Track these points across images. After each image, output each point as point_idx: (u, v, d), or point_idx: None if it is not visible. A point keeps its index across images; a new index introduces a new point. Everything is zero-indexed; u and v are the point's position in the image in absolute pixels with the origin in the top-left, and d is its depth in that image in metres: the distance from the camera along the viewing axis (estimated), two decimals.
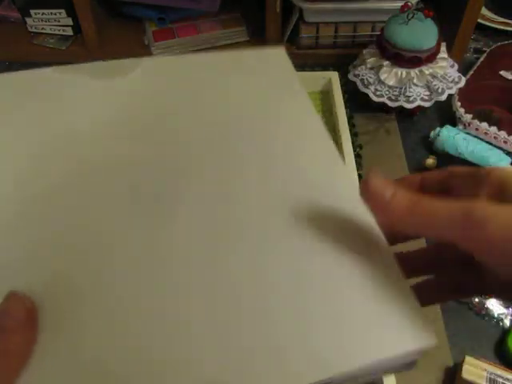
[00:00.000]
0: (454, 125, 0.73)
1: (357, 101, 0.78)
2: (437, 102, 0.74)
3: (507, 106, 0.78)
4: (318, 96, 0.76)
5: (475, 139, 0.70)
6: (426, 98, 0.73)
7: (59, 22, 0.89)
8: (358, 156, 0.69)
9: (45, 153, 0.25)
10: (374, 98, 0.74)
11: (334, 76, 0.75)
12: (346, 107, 0.70)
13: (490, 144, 0.70)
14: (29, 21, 0.89)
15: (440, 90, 0.72)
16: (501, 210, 0.22)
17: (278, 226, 0.25)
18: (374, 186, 0.25)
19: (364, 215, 0.26)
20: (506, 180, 0.24)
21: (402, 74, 0.72)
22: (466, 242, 0.22)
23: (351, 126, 0.70)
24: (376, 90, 0.74)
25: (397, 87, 0.73)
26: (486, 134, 0.71)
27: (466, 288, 0.28)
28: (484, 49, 0.88)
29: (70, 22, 0.89)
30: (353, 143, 0.67)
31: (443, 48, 0.74)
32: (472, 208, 0.22)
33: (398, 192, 0.25)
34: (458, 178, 0.26)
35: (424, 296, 0.25)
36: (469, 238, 0.22)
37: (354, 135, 0.71)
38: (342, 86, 0.74)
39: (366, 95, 0.74)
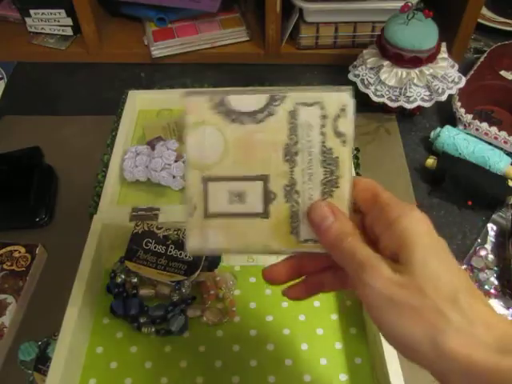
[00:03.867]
0: (455, 125, 0.73)
1: (357, 101, 0.78)
2: (437, 102, 0.73)
3: (507, 106, 0.78)
4: None
5: (475, 139, 0.70)
6: (427, 98, 0.73)
7: (59, 21, 0.89)
8: (355, 157, 0.70)
9: None
10: (374, 99, 0.74)
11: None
12: None
13: (491, 144, 0.70)
14: (28, 21, 0.89)
15: (440, 90, 0.72)
16: (384, 281, 0.27)
17: None
18: (321, 210, 0.32)
19: None
20: (404, 241, 0.28)
21: (402, 74, 0.72)
22: (356, 286, 0.29)
23: None
24: (376, 90, 0.73)
25: (397, 87, 0.73)
26: (486, 134, 0.71)
27: (327, 284, 0.35)
28: (484, 49, 0.88)
29: (69, 21, 0.89)
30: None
31: (443, 48, 0.74)
32: (366, 269, 0.28)
33: (336, 223, 0.31)
34: (375, 210, 0.32)
35: (297, 293, 0.36)
36: (357, 284, 0.29)
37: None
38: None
39: (366, 95, 0.74)
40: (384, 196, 0.31)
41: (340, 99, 0.33)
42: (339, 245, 0.30)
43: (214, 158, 0.33)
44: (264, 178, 0.33)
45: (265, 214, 0.33)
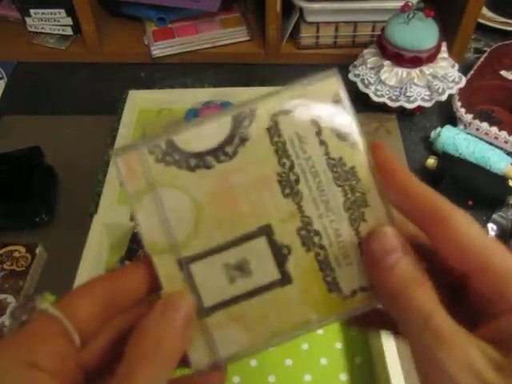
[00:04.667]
0: (455, 125, 0.73)
1: (357, 101, 0.78)
2: (437, 102, 0.73)
3: (508, 106, 0.78)
4: None
5: (476, 139, 0.70)
6: (427, 97, 0.73)
7: (59, 21, 0.89)
8: None
9: None
10: (375, 98, 0.74)
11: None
12: None
13: (491, 144, 0.70)
14: (28, 20, 0.89)
15: (440, 90, 0.72)
16: (473, 371, 0.19)
17: None
18: (385, 239, 0.22)
19: None
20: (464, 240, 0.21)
21: (402, 73, 0.72)
22: (420, 359, 0.21)
23: None
24: (376, 89, 0.73)
25: (397, 87, 0.72)
26: (486, 134, 0.71)
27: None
28: (484, 49, 0.88)
29: (69, 21, 0.89)
30: None
31: (444, 48, 0.74)
32: (444, 344, 0.20)
33: (403, 260, 0.22)
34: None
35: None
36: (423, 359, 0.21)
37: None
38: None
39: (367, 95, 0.74)
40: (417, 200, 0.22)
41: (327, 88, 0.25)
42: (405, 295, 0.21)
43: (186, 229, 0.24)
44: (266, 231, 0.24)
45: (284, 279, 0.24)
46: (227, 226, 0.24)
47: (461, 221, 0.21)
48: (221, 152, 0.23)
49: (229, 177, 0.24)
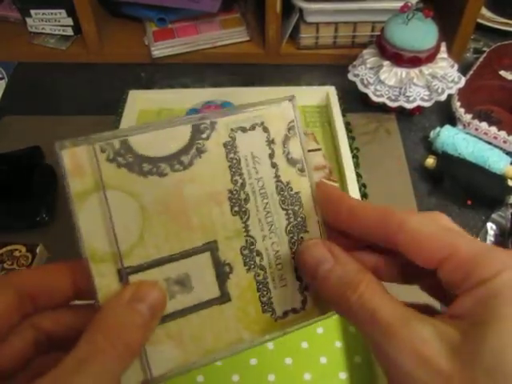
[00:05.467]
0: (454, 125, 0.73)
1: (357, 101, 0.78)
2: (437, 102, 0.74)
3: (507, 106, 0.78)
4: (315, 109, 0.77)
5: (475, 139, 0.70)
6: (426, 97, 0.73)
7: (59, 21, 0.89)
8: (355, 157, 0.70)
9: None
10: (374, 98, 0.74)
11: (332, 90, 0.76)
12: (343, 115, 0.72)
13: (490, 144, 0.70)
14: (29, 21, 0.89)
15: (440, 90, 0.72)
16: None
17: None
18: (315, 251, 0.23)
19: None
20: (419, 238, 0.22)
21: (401, 73, 0.72)
22: (377, 356, 0.21)
23: (348, 131, 0.72)
24: (376, 90, 0.74)
25: (397, 87, 0.73)
26: (485, 134, 0.71)
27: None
28: (484, 49, 0.88)
29: (70, 22, 0.89)
30: (350, 146, 0.69)
31: (443, 48, 0.74)
32: (393, 336, 0.19)
33: (335, 268, 0.22)
34: (367, 222, 0.23)
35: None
36: (379, 355, 0.20)
37: (351, 139, 0.72)
38: (339, 97, 0.75)
39: (366, 95, 0.74)
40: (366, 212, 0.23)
41: (284, 114, 0.25)
42: (345, 301, 0.21)
43: (131, 238, 0.22)
44: (211, 247, 0.23)
45: (224, 297, 0.24)
46: (174, 239, 0.23)
47: (416, 220, 0.22)
48: (176, 160, 0.23)
49: (182, 187, 0.23)
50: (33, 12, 0.88)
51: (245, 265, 0.24)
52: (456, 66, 0.74)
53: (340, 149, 0.68)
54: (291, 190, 0.24)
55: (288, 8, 0.82)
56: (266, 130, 0.24)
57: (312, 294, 0.25)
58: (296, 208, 0.24)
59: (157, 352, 0.22)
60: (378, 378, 0.48)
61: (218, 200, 0.23)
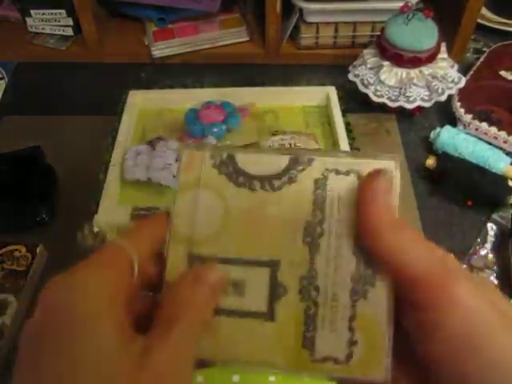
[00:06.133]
0: (454, 125, 0.73)
1: (357, 101, 0.78)
2: (437, 102, 0.74)
3: (507, 106, 0.78)
4: (316, 109, 0.77)
5: (475, 139, 0.70)
6: (426, 98, 0.73)
7: (59, 21, 0.89)
8: None
9: None
10: (374, 98, 0.74)
11: (332, 90, 0.76)
12: (343, 116, 0.72)
13: (490, 144, 0.70)
14: (29, 21, 0.89)
15: (440, 91, 0.72)
16: None
17: None
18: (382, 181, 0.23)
19: None
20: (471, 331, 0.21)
21: (401, 74, 0.72)
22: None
23: (348, 131, 0.72)
24: (376, 90, 0.74)
25: (397, 87, 0.73)
26: (485, 134, 0.71)
27: None
28: (484, 49, 0.88)
29: (70, 22, 0.89)
30: (350, 146, 0.69)
31: (443, 48, 0.74)
32: None
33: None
34: None
35: None
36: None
37: (351, 139, 0.72)
38: (339, 97, 0.75)
39: (366, 95, 0.74)
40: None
41: (384, 168, 0.24)
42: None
43: (209, 231, 0.25)
44: (273, 265, 0.24)
45: (268, 315, 0.24)
46: (243, 246, 0.25)
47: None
48: (268, 182, 0.25)
49: (265, 205, 0.25)
50: (33, 12, 0.88)
51: (299, 293, 0.24)
52: (456, 67, 0.74)
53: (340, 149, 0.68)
54: None
55: (288, 8, 0.82)
56: (359, 178, 0.24)
57: (360, 352, 0.24)
58: (369, 259, 0.24)
59: None
60: None
61: (294, 227, 0.25)
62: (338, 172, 0.25)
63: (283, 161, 0.25)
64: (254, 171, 0.25)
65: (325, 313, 0.24)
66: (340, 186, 0.25)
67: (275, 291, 0.24)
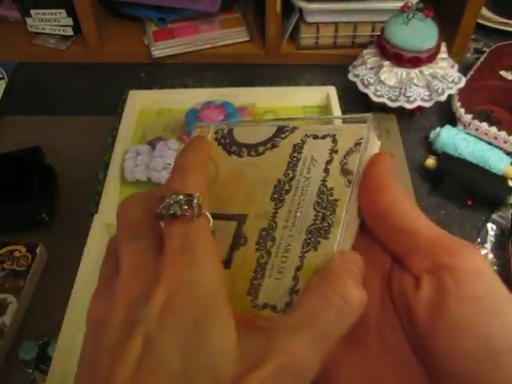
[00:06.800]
0: (454, 125, 0.73)
1: (357, 101, 0.78)
2: (437, 102, 0.74)
3: (507, 106, 0.78)
4: (315, 109, 0.77)
5: (475, 139, 0.70)
6: (426, 98, 0.73)
7: (59, 21, 0.89)
8: None
9: None
10: (374, 98, 0.74)
11: (332, 90, 0.76)
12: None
13: (490, 144, 0.70)
14: (29, 21, 0.89)
15: (440, 91, 0.72)
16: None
17: None
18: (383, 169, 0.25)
19: None
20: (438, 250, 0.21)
21: (402, 74, 0.72)
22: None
23: None
24: (376, 90, 0.73)
25: (397, 87, 0.73)
26: (486, 134, 0.71)
27: None
28: (484, 49, 0.88)
29: (70, 21, 0.89)
30: None
31: (443, 48, 0.74)
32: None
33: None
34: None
35: None
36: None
37: None
38: (339, 97, 0.75)
39: (366, 95, 0.74)
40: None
41: (356, 131, 0.27)
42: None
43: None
44: (240, 219, 0.27)
45: (226, 263, 0.26)
46: (221, 203, 0.27)
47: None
48: (254, 149, 0.28)
49: (247, 168, 0.28)
50: (33, 12, 0.88)
51: (256, 243, 0.25)
52: (456, 66, 0.74)
53: None
54: (331, 196, 0.25)
55: (288, 8, 0.82)
56: (334, 141, 0.26)
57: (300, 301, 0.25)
58: (327, 213, 0.25)
59: None
60: None
61: (266, 184, 0.27)
62: (315, 137, 0.27)
63: (270, 130, 0.28)
64: (245, 140, 0.29)
65: (275, 262, 0.25)
66: (315, 148, 0.27)
67: (237, 242, 0.26)
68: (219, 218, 0.26)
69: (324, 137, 0.27)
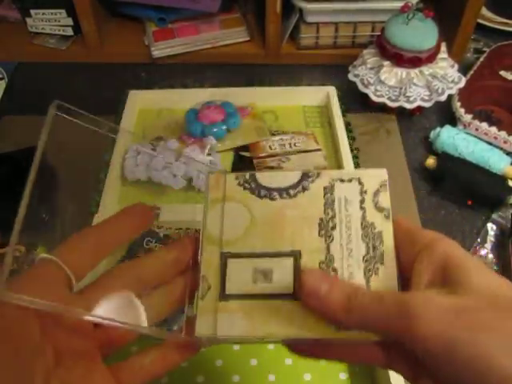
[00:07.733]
0: (454, 125, 0.73)
1: (357, 101, 0.78)
2: (437, 102, 0.74)
3: (507, 106, 0.78)
4: (315, 109, 0.77)
5: (475, 139, 0.70)
6: (426, 98, 0.73)
7: (59, 21, 0.89)
8: (355, 157, 0.70)
9: None
10: (374, 98, 0.74)
11: (332, 90, 0.76)
12: (343, 116, 0.73)
13: (490, 144, 0.70)
14: (29, 21, 0.89)
15: (440, 90, 0.72)
16: (439, 307, 0.23)
17: None
18: (309, 283, 0.26)
19: None
20: (448, 259, 0.25)
21: (402, 74, 0.72)
22: (402, 335, 0.23)
23: (348, 131, 0.72)
24: (376, 90, 0.74)
25: (397, 87, 0.73)
26: (485, 134, 0.71)
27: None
28: (484, 49, 0.88)
29: (70, 21, 0.89)
30: (350, 146, 0.69)
31: (443, 48, 0.74)
32: (405, 302, 0.23)
33: (334, 287, 0.26)
34: (400, 237, 0.29)
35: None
36: (404, 334, 0.23)
37: (351, 139, 0.72)
38: (339, 97, 0.75)
39: (366, 95, 0.74)
40: (403, 224, 0.29)
41: (379, 175, 0.31)
42: (353, 305, 0.25)
43: (237, 233, 0.31)
44: (295, 254, 0.29)
45: (295, 296, 0.28)
46: (269, 242, 0.30)
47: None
48: (285, 192, 0.32)
49: (284, 209, 0.31)
50: (33, 12, 0.88)
51: None
52: (456, 66, 0.74)
53: (340, 149, 0.68)
54: (374, 229, 0.30)
55: (288, 8, 0.82)
56: (360, 183, 0.31)
57: None
58: (376, 243, 0.29)
59: (228, 319, 0.28)
60: (379, 379, 0.48)
61: (310, 223, 0.30)
62: (342, 180, 0.31)
63: (296, 175, 0.32)
64: (273, 185, 0.32)
65: None
66: (345, 190, 0.31)
67: (299, 275, 0.28)
68: (275, 256, 0.30)
69: (350, 180, 0.31)
